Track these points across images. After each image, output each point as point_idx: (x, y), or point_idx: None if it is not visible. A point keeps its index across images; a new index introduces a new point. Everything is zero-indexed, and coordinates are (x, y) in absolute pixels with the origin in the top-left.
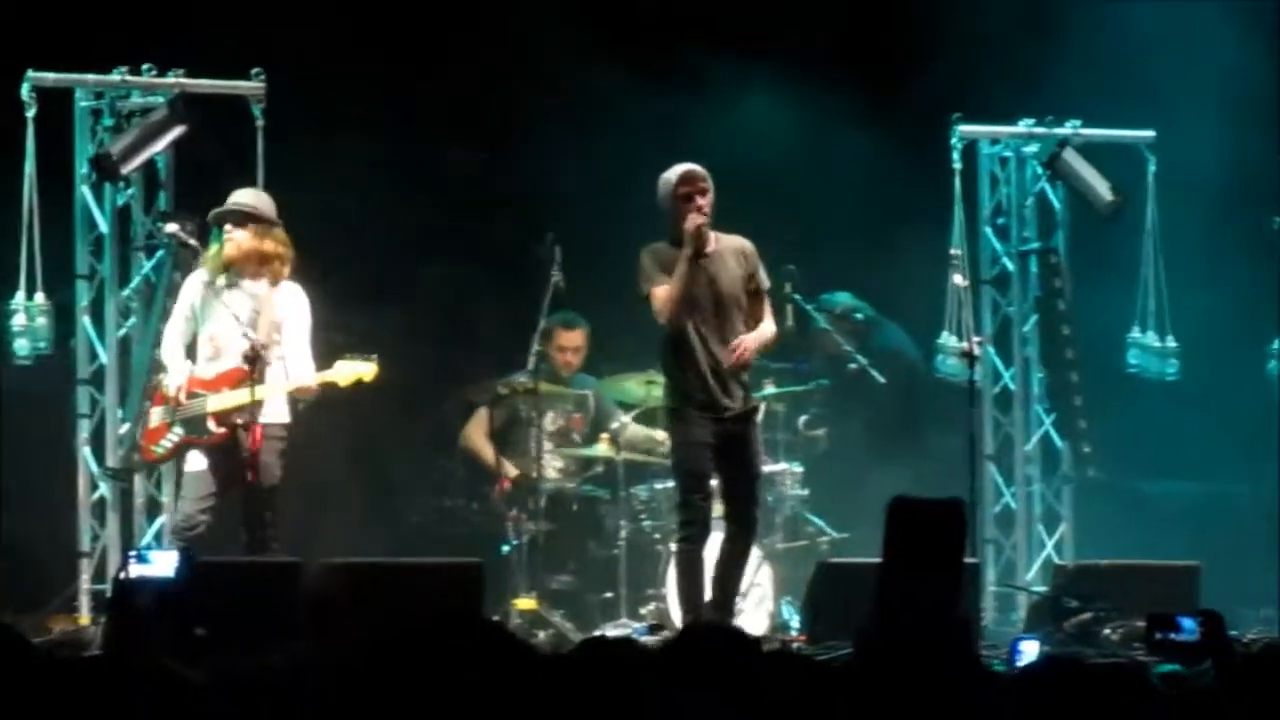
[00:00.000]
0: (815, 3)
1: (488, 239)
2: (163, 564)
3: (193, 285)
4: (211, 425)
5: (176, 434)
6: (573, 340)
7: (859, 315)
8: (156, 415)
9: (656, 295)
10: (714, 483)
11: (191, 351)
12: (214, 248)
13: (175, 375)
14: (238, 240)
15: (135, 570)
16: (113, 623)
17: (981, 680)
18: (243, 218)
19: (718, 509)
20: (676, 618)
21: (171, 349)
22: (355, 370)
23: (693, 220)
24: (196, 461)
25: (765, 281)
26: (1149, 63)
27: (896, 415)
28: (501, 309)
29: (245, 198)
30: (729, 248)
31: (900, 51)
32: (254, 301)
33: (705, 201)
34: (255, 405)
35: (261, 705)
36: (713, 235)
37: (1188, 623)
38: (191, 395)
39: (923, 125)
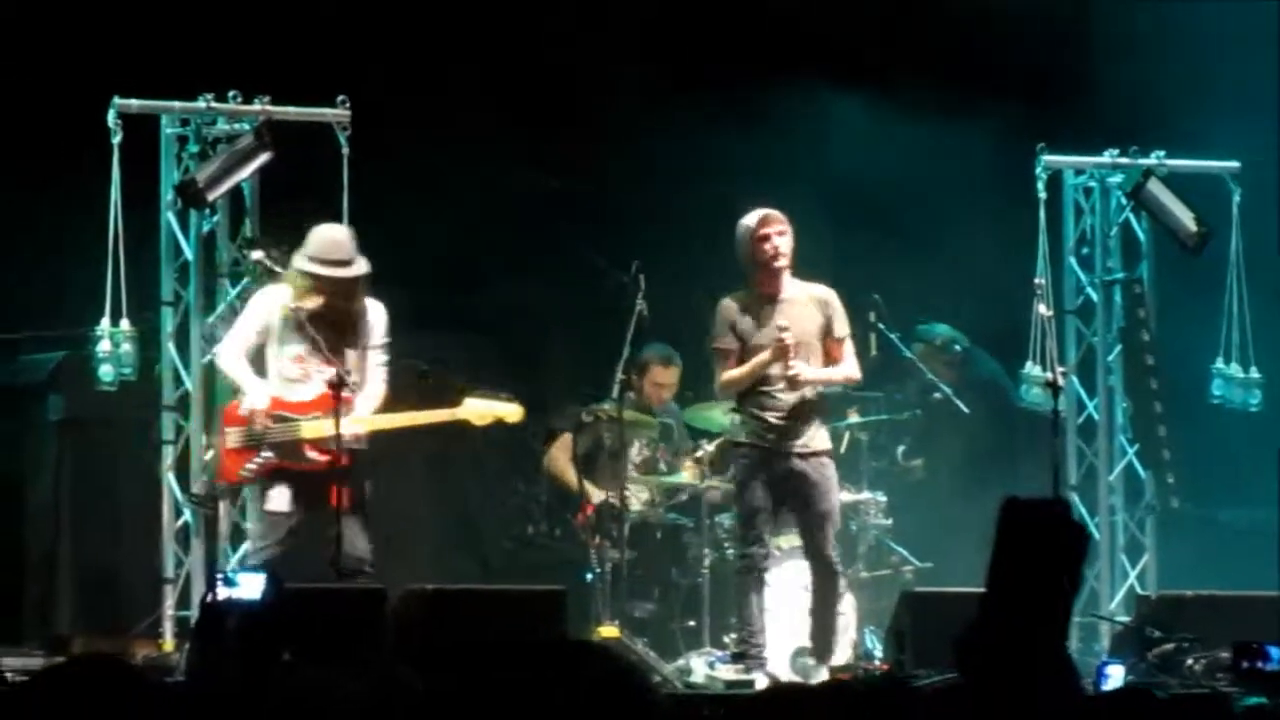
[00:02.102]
0: (897, 30)
1: (564, 264)
2: (249, 586)
3: (270, 304)
4: (310, 453)
5: (265, 457)
6: (668, 377)
7: (957, 346)
8: (235, 436)
9: (722, 365)
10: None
11: (258, 369)
12: (302, 279)
13: (257, 395)
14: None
15: (222, 592)
16: (198, 647)
17: (1077, 696)
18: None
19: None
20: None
21: (244, 367)
22: (493, 409)
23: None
24: (279, 501)
25: (843, 330)
26: (1234, 93)
27: (987, 446)
28: (578, 335)
29: (340, 253)
30: (810, 296)
31: (985, 81)
32: (339, 324)
33: (784, 243)
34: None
35: None
36: (793, 282)
37: (1276, 652)
38: (279, 418)
39: (1008, 155)
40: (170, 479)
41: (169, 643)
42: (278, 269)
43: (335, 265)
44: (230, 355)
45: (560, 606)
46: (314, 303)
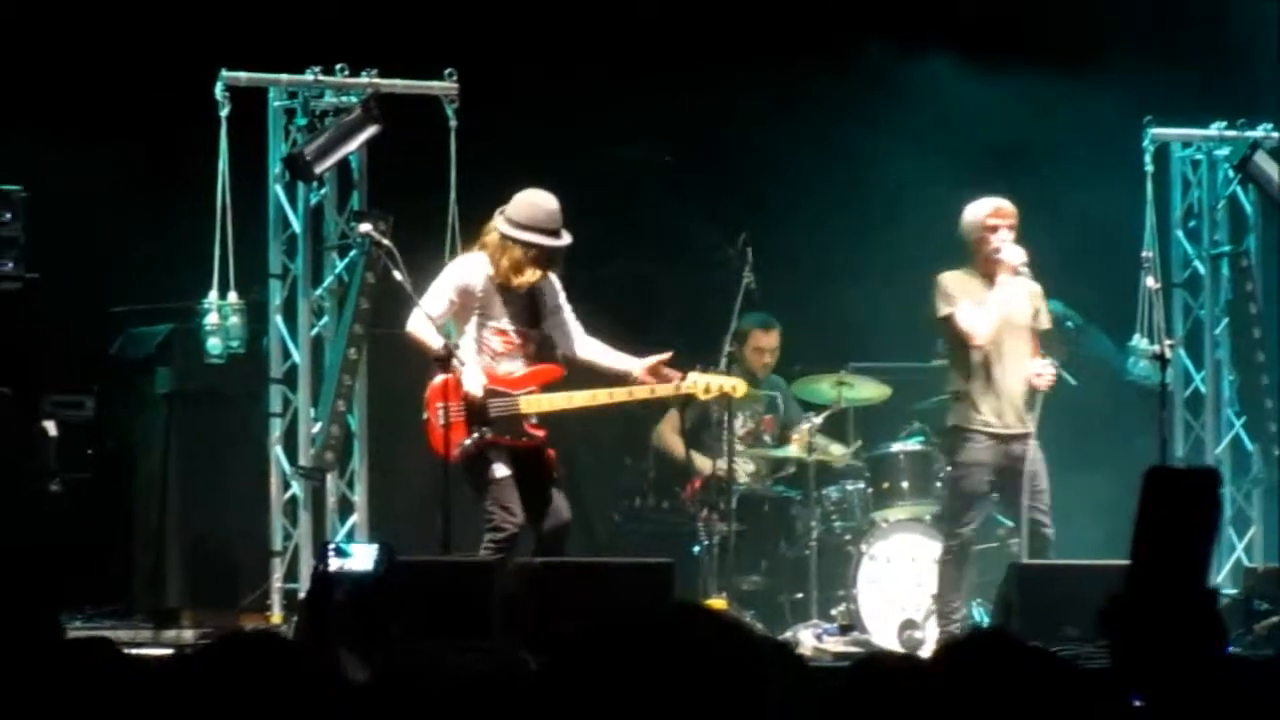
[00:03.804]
0: (1009, 1)
1: (673, 237)
2: (362, 557)
3: (471, 273)
4: (529, 429)
5: (483, 432)
6: (769, 342)
7: (1069, 323)
8: (451, 412)
9: (962, 319)
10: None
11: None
12: (516, 250)
13: (474, 371)
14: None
15: (334, 563)
16: (308, 616)
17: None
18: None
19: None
20: (867, 618)
21: (438, 338)
22: (719, 382)
23: (1017, 255)
24: (503, 468)
25: (1046, 324)
26: None
27: (1097, 420)
28: (687, 308)
29: (555, 222)
30: (1021, 287)
31: (1092, 52)
32: (532, 294)
33: (1009, 236)
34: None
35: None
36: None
37: None
38: (495, 394)
39: (1115, 128)
40: (278, 452)
41: (277, 615)
42: (385, 241)
43: (552, 235)
44: (426, 323)
45: (668, 579)
46: (530, 275)
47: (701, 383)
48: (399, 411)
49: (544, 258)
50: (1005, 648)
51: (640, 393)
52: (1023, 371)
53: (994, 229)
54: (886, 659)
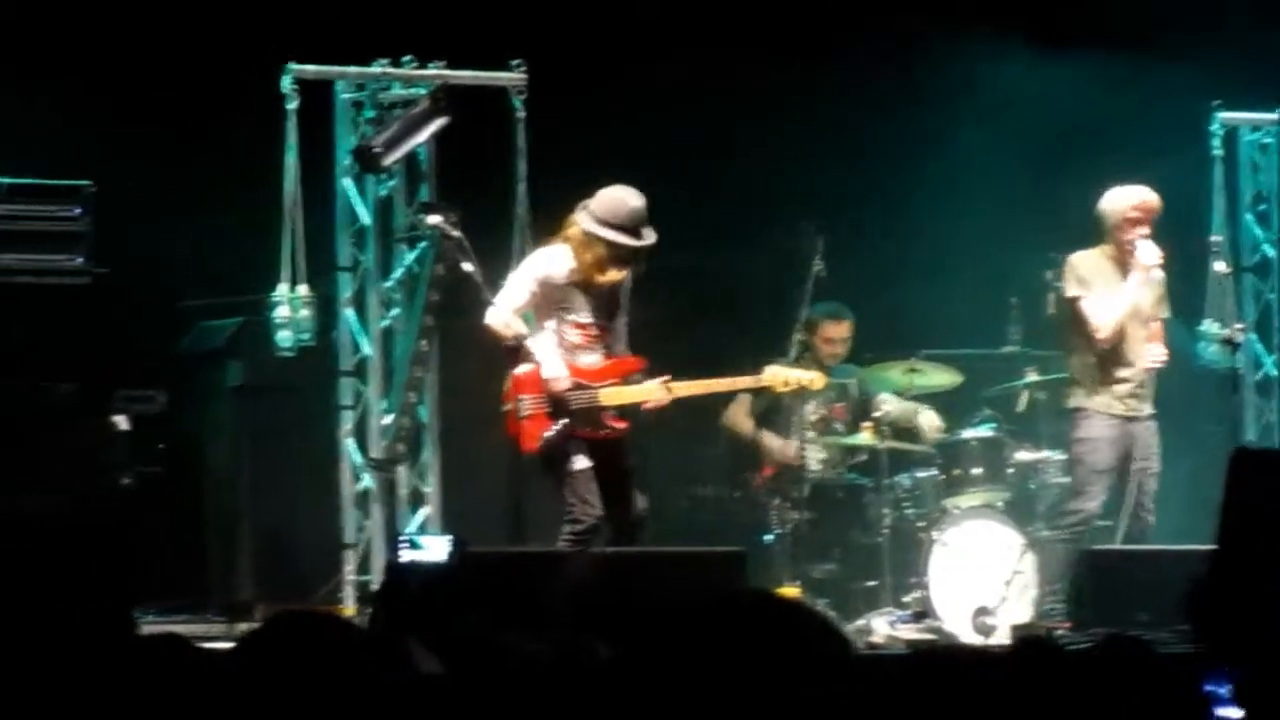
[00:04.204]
0: None
1: (744, 226)
2: (434, 549)
3: (551, 265)
4: (610, 421)
5: (564, 424)
6: (840, 332)
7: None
8: (532, 403)
9: (1088, 308)
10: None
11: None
12: (600, 247)
13: (556, 363)
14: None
15: (406, 555)
16: (381, 608)
17: None
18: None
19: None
20: (939, 605)
21: (526, 333)
22: (796, 376)
23: (1151, 256)
24: (583, 459)
25: (1167, 313)
26: None
27: (1167, 404)
28: (758, 296)
29: (640, 220)
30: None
31: (1160, 35)
32: (611, 290)
33: (1148, 233)
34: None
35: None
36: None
37: None
38: (576, 386)
39: (1183, 111)
40: (349, 444)
41: (350, 608)
42: (455, 233)
43: (636, 234)
44: (508, 313)
45: (740, 568)
46: (613, 273)
47: (780, 376)
48: (470, 403)
49: (627, 256)
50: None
51: (719, 386)
52: (1141, 357)
53: (1134, 222)
54: (946, 651)
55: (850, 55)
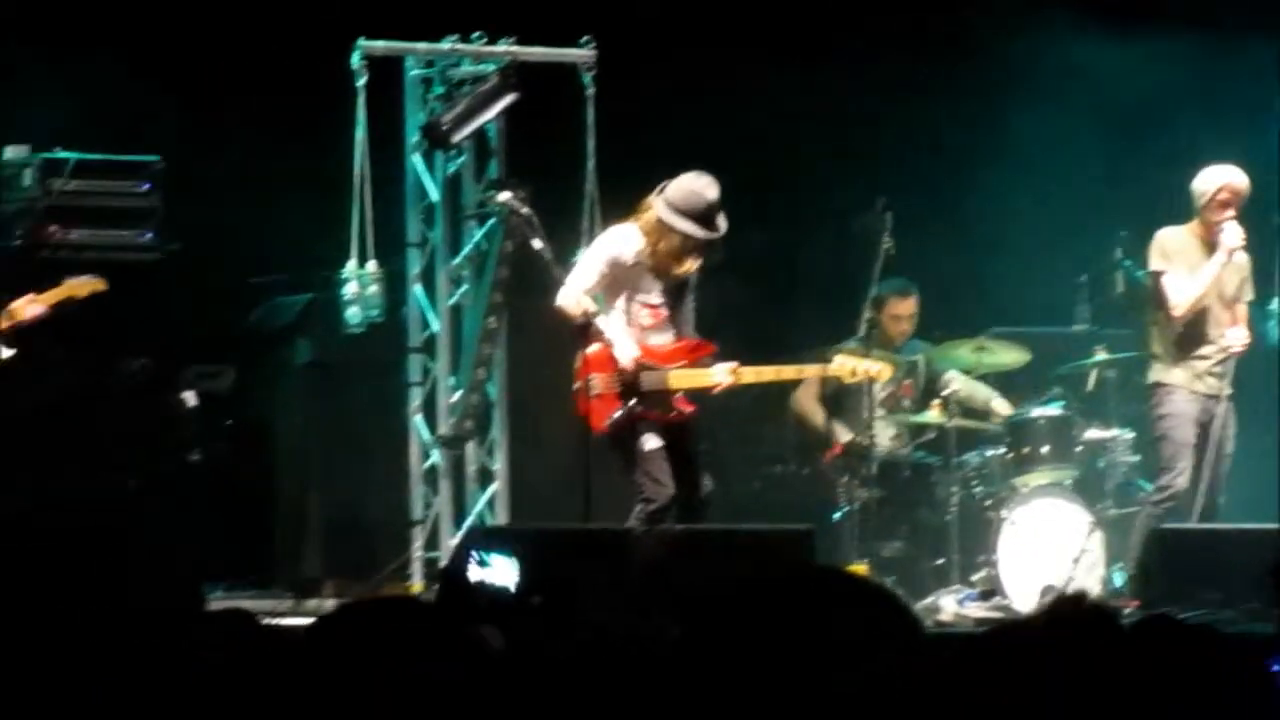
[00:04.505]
0: None
1: (813, 205)
2: (503, 572)
3: (622, 247)
4: (678, 404)
5: (633, 405)
6: (906, 309)
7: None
8: (603, 383)
9: (1167, 284)
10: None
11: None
12: (674, 237)
13: (628, 344)
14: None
15: (474, 574)
16: (448, 585)
17: None
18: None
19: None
20: (1008, 584)
21: (597, 313)
22: (865, 366)
23: (1235, 238)
24: (653, 439)
25: (1250, 296)
26: None
27: (1242, 384)
28: (827, 275)
29: (714, 211)
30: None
31: (1228, 9)
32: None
33: (1234, 215)
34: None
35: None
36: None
37: None
38: (646, 368)
39: (1259, 89)
40: (418, 421)
41: (417, 584)
42: (524, 210)
43: (710, 225)
44: (578, 293)
45: (809, 546)
46: (688, 264)
47: (848, 366)
48: (539, 380)
49: (701, 247)
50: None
51: (787, 374)
52: (1223, 337)
53: (1222, 204)
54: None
55: (920, 32)
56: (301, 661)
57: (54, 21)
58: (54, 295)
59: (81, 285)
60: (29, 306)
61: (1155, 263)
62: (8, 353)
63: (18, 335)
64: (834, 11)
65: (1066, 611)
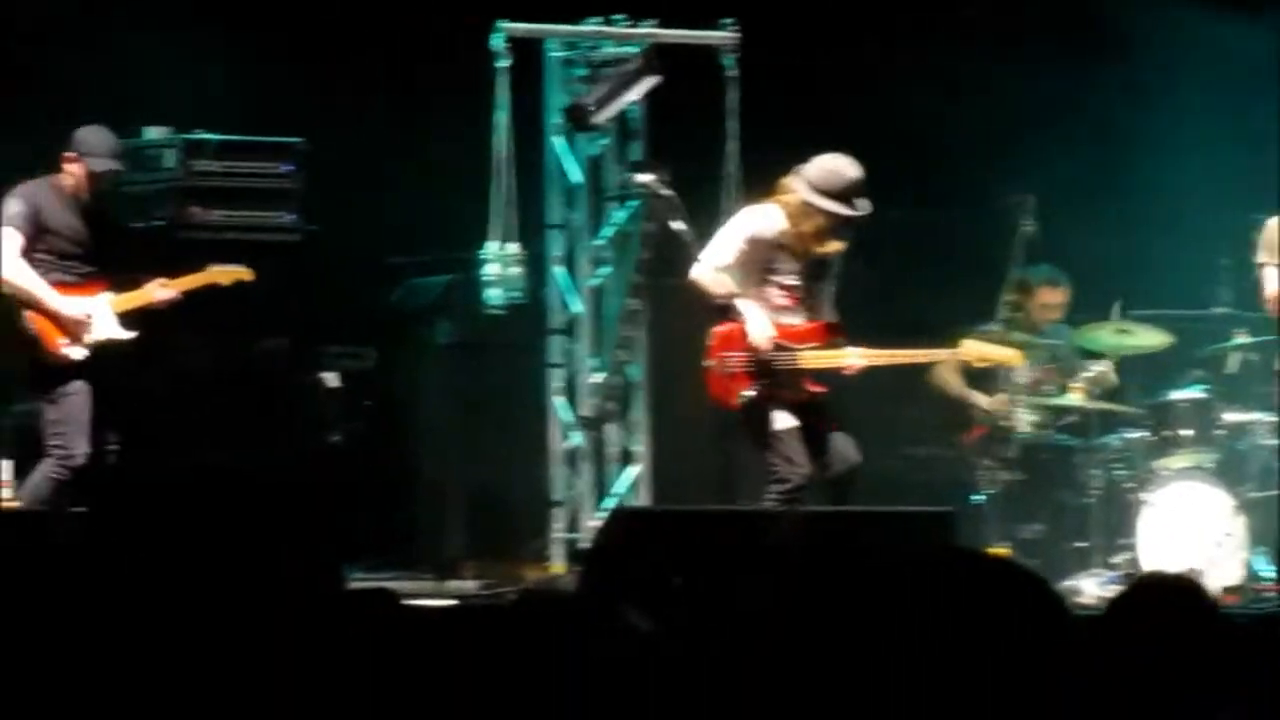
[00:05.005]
0: None
1: (952, 186)
2: None
3: (761, 225)
4: (809, 385)
5: (764, 385)
6: (1056, 297)
7: None
8: (735, 361)
9: (1265, 276)
10: None
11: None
12: (816, 216)
13: (763, 323)
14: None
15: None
16: (591, 567)
17: None
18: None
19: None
20: (1148, 567)
21: (730, 286)
22: (993, 352)
23: None
24: (786, 419)
25: None
26: None
27: None
28: (966, 257)
29: (857, 191)
30: None
31: None
32: (820, 259)
33: None
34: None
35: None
36: None
37: None
38: (778, 347)
39: None
40: (559, 402)
41: (558, 566)
42: (665, 192)
43: (852, 204)
44: (713, 271)
45: (949, 528)
46: (831, 244)
47: (976, 350)
48: (680, 361)
49: (844, 226)
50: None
51: (916, 357)
52: None
53: None
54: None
55: (1062, 14)
56: (444, 642)
57: (194, 2)
58: (192, 281)
59: (225, 273)
60: (159, 290)
61: (1259, 254)
62: (129, 335)
63: (144, 317)
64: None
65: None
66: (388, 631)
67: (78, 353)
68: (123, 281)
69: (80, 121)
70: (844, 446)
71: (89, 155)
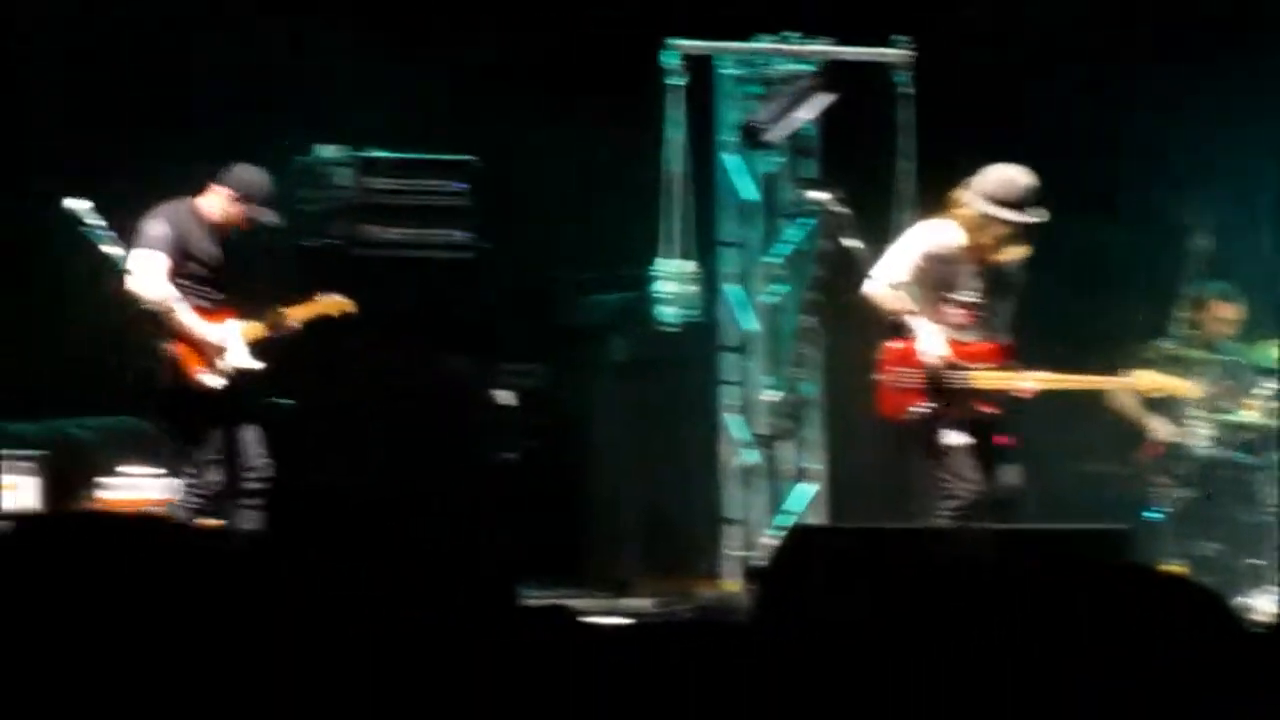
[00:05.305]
0: None
1: (1127, 200)
2: None
3: (938, 241)
4: (981, 405)
5: (935, 403)
6: (1232, 313)
7: None
8: (907, 376)
9: None
10: None
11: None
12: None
13: (935, 340)
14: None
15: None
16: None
17: None
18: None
19: None
20: None
21: (907, 303)
22: (1166, 383)
23: None
24: (957, 435)
25: None
26: None
27: None
28: (1139, 272)
29: (1032, 198)
30: None
31: None
32: (1003, 271)
33: None
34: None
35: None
36: None
37: None
38: (948, 365)
39: None
40: (732, 420)
41: (731, 583)
42: (841, 209)
43: (1028, 211)
44: (888, 286)
45: (1125, 545)
46: (1012, 252)
47: (1150, 381)
48: (854, 379)
49: (1023, 235)
50: None
51: (1089, 384)
52: None
53: None
54: None
55: (1236, 30)
56: (621, 659)
57: (366, 22)
58: (307, 311)
59: (334, 304)
60: (282, 320)
61: None
62: (258, 364)
63: (267, 347)
64: (1150, 6)
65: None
66: (565, 648)
67: (214, 380)
68: (249, 308)
69: (255, 137)
70: (1009, 470)
71: (249, 200)
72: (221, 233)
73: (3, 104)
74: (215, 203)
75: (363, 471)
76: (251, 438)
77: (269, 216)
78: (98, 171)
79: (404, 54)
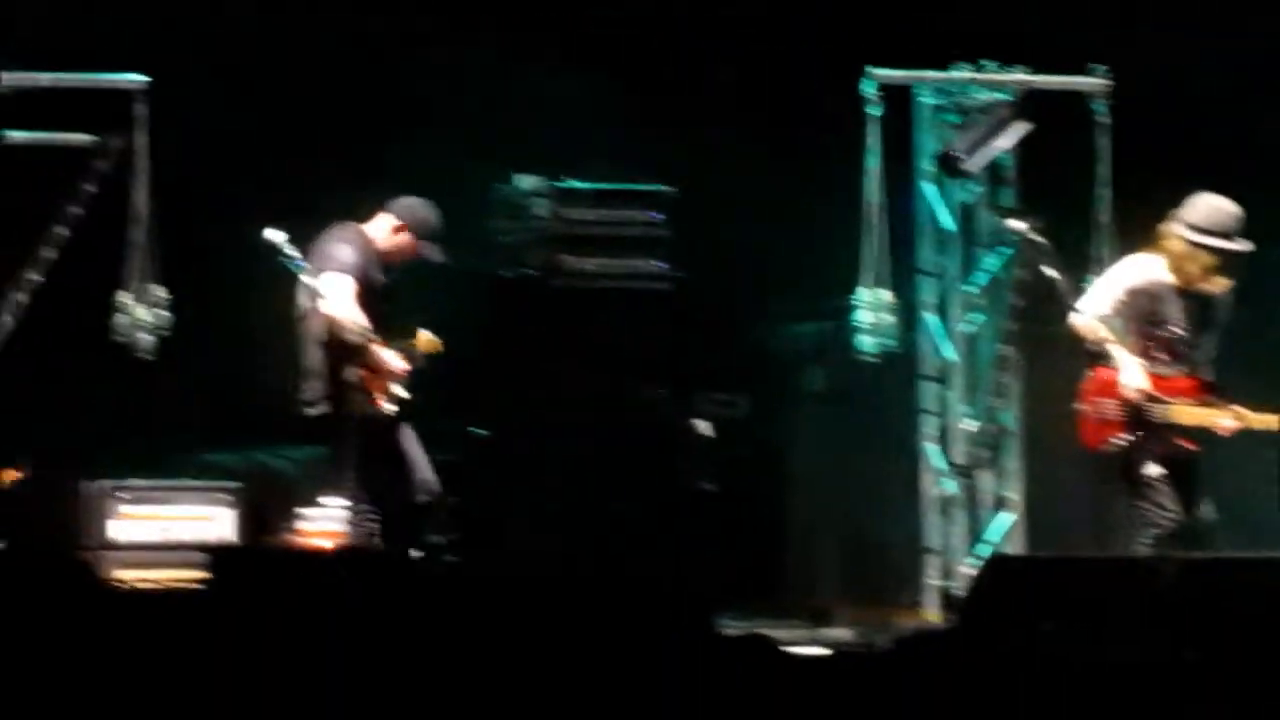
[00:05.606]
0: None
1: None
2: None
3: (1143, 273)
4: (1179, 440)
5: (1136, 435)
6: None
7: None
8: (1108, 408)
9: None
10: None
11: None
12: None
13: (1137, 373)
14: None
15: None
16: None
17: None
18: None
19: None
20: None
21: (1110, 334)
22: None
23: None
24: (1156, 467)
25: None
26: None
27: None
28: None
29: (1237, 226)
30: None
31: None
32: (1209, 305)
33: None
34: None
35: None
36: None
37: None
38: (1150, 398)
39: None
40: (932, 449)
41: (932, 613)
42: (1039, 239)
43: (1235, 240)
44: (1093, 318)
45: None
46: (1220, 281)
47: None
48: (1055, 409)
49: (1232, 263)
50: None
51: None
52: None
53: None
54: None
55: None
56: (822, 688)
57: (566, 52)
58: (427, 345)
59: (429, 342)
60: (398, 359)
61: None
62: (390, 407)
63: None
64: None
65: None
66: (765, 677)
67: (392, 407)
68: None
69: (449, 165)
70: (1206, 504)
71: (421, 236)
72: (386, 260)
73: (215, 137)
74: (382, 231)
75: (561, 502)
76: (423, 461)
77: (433, 253)
78: (303, 203)
79: (603, 83)
